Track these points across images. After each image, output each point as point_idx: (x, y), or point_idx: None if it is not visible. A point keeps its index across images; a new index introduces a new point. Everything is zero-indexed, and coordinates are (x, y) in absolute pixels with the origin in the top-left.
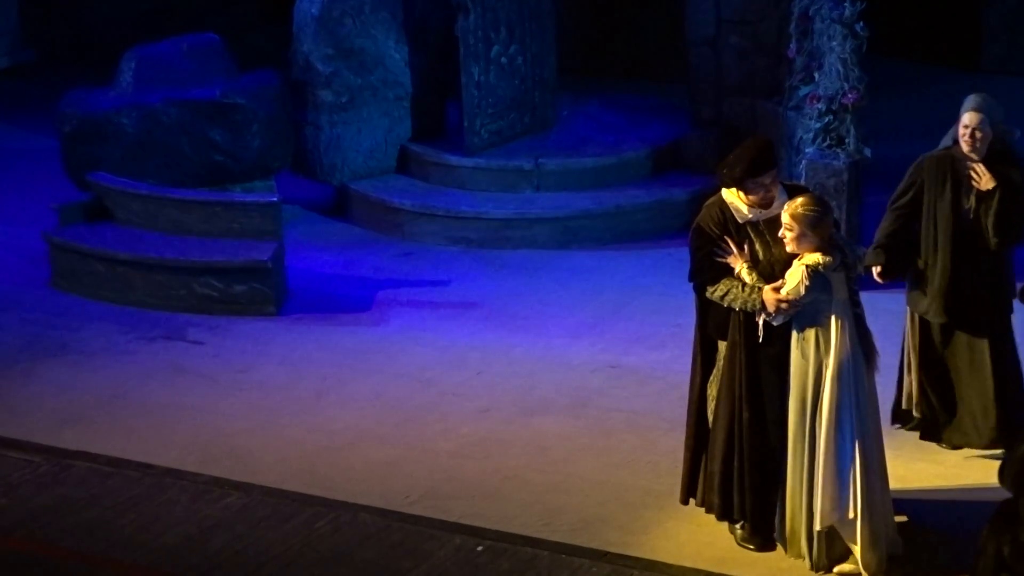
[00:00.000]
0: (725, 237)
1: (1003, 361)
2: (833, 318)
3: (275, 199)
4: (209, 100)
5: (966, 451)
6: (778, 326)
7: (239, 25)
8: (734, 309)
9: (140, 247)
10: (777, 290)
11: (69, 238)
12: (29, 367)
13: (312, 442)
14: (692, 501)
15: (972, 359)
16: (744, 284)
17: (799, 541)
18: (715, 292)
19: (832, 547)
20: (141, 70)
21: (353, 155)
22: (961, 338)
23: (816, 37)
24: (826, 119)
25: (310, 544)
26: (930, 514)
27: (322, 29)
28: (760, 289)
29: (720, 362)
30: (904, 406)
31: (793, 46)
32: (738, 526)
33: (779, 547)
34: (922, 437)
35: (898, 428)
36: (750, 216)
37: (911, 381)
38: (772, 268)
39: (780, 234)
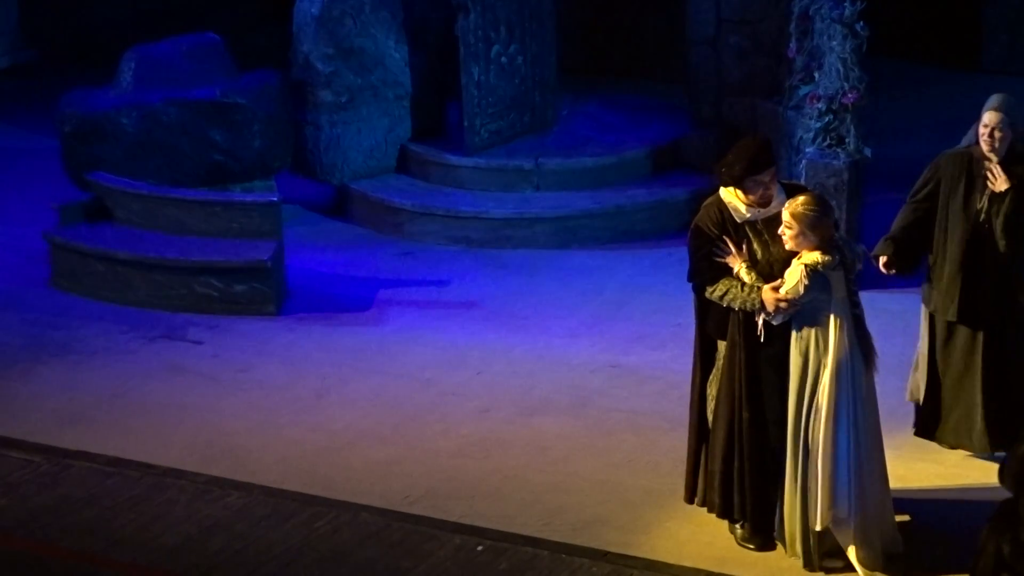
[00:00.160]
0: (724, 237)
1: (1004, 366)
2: (832, 317)
3: (275, 199)
4: (209, 100)
5: (966, 451)
6: (778, 325)
7: (239, 25)
8: (733, 309)
9: (140, 247)
10: (776, 289)
11: (69, 238)
12: (29, 367)
13: (312, 442)
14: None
15: (970, 361)
16: (743, 284)
17: (797, 540)
18: (714, 292)
19: (824, 544)
20: (141, 70)
21: (353, 155)
22: (964, 339)
23: (816, 37)
24: (826, 119)
25: (310, 544)
26: (930, 514)
27: (322, 29)
28: (759, 289)
29: (720, 362)
30: (908, 398)
31: (793, 46)
32: (738, 526)
33: (779, 547)
34: (916, 433)
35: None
36: (748, 216)
37: (916, 377)
38: (771, 267)
39: (780, 232)
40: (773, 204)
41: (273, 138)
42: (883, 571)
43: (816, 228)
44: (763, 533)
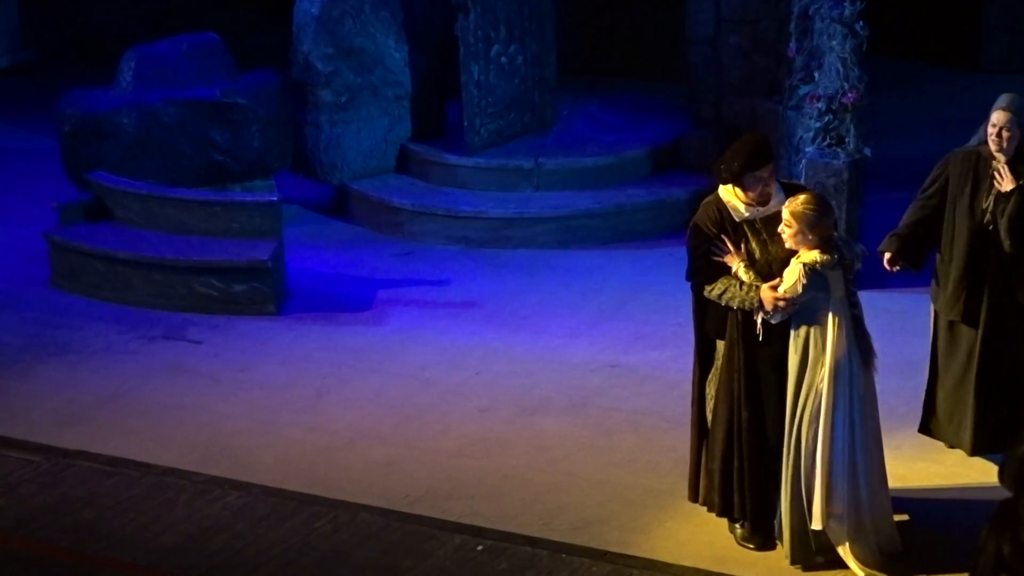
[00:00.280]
0: (722, 236)
1: (1003, 368)
2: (830, 316)
3: (275, 198)
4: (209, 100)
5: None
6: (776, 324)
7: (239, 25)
8: (732, 308)
9: (140, 246)
10: (774, 288)
11: (69, 237)
12: (29, 366)
13: (312, 441)
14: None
15: (968, 362)
16: (742, 283)
17: (785, 535)
18: (713, 291)
19: (815, 541)
20: (141, 70)
21: (353, 154)
22: (966, 339)
23: (816, 36)
24: (826, 118)
25: (310, 543)
26: (930, 513)
27: (322, 29)
28: (758, 287)
29: (718, 361)
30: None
31: (793, 45)
32: (738, 525)
33: (779, 546)
34: (920, 430)
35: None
36: (747, 214)
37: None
38: (769, 266)
39: (779, 230)
40: (772, 203)
41: (273, 138)
42: (880, 570)
43: (815, 227)
44: (763, 532)
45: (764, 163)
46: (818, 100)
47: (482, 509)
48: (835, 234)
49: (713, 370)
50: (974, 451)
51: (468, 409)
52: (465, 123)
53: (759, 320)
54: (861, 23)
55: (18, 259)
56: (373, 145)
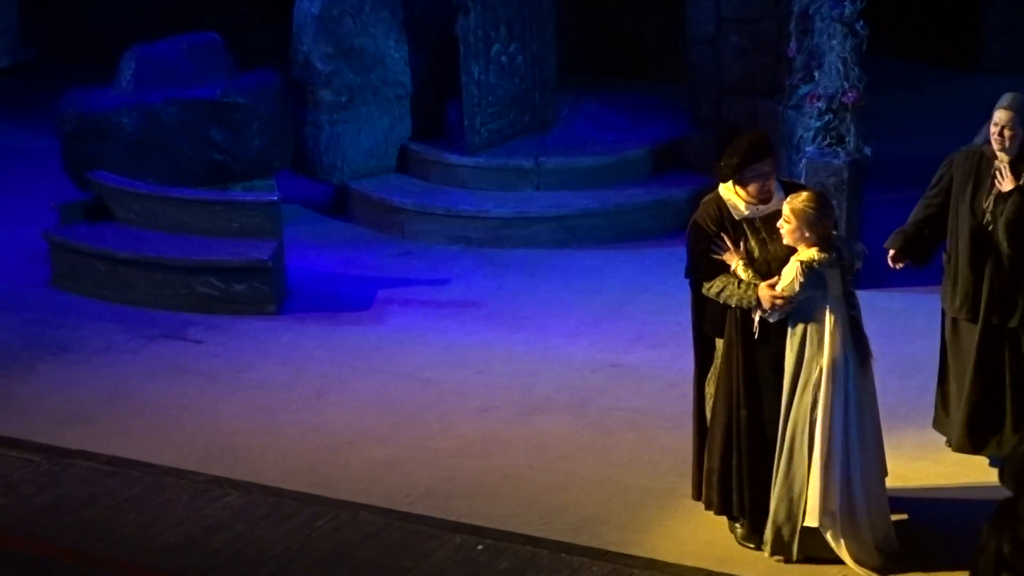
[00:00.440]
0: (721, 234)
1: (1003, 369)
2: (827, 314)
3: (275, 198)
4: (209, 99)
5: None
6: (775, 323)
7: (239, 24)
8: (730, 306)
9: (140, 246)
10: (772, 287)
11: (69, 237)
12: (29, 366)
13: (312, 441)
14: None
15: (970, 361)
16: (740, 281)
17: (770, 528)
18: (711, 289)
19: (804, 538)
20: (141, 69)
21: (353, 154)
22: (969, 337)
23: (816, 36)
24: (826, 118)
25: (310, 543)
26: (930, 512)
27: (322, 28)
28: (755, 286)
29: (717, 361)
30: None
31: (793, 45)
32: (738, 524)
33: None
34: (933, 426)
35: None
36: (747, 213)
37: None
38: (768, 265)
39: (778, 224)
40: (772, 202)
41: (273, 137)
42: (877, 569)
43: (814, 226)
44: (762, 532)
45: (764, 157)
46: (818, 99)
47: (482, 509)
48: (834, 233)
49: (712, 369)
50: (960, 448)
51: (468, 409)
52: (465, 123)
53: (756, 319)
54: (861, 22)
55: (18, 259)
56: (373, 145)
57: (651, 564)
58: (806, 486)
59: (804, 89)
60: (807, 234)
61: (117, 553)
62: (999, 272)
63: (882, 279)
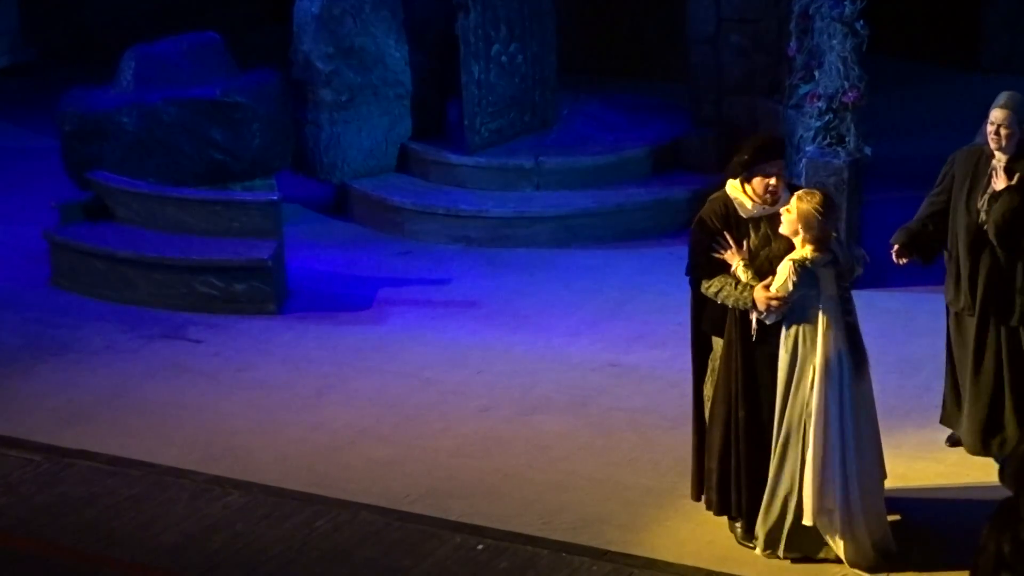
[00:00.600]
0: (725, 232)
1: (1001, 367)
2: (820, 314)
3: (275, 198)
4: (209, 99)
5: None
6: (775, 324)
7: (239, 24)
8: (728, 306)
9: (140, 246)
10: (767, 288)
11: (69, 237)
12: (29, 366)
13: (312, 441)
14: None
15: (978, 360)
16: (738, 282)
17: (763, 525)
18: (710, 288)
19: (796, 535)
20: (141, 69)
21: (353, 154)
22: (970, 332)
23: (816, 35)
24: (826, 117)
25: (310, 543)
26: (930, 512)
27: (322, 28)
28: (752, 287)
29: (714, 363)
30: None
31: (793, 44)
32: (738, 524)
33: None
34: (941, 421)
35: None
36: (753, 211)
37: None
38: (770, 265)
39: (781, 210)
40: (779, 203)
41: (273, 137)
42: (873, 569)
43: (812, 228)
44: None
45: (773, 158)
46: (818, 99)
47: (482, 508)
48: (834, 235)
49: (709, 371)
50: (974, 452)
51: (468, 408)
52: (465, 122)
53: (753, 320)
54: (861, 22)
55: (18, 258)
56: (373, 144)
57: (651, 564)
58: (798, 485)
59: (804, 89)
60: (805, 232)
61: (117, 553)
62: (995, 270)
63: (882, 279)
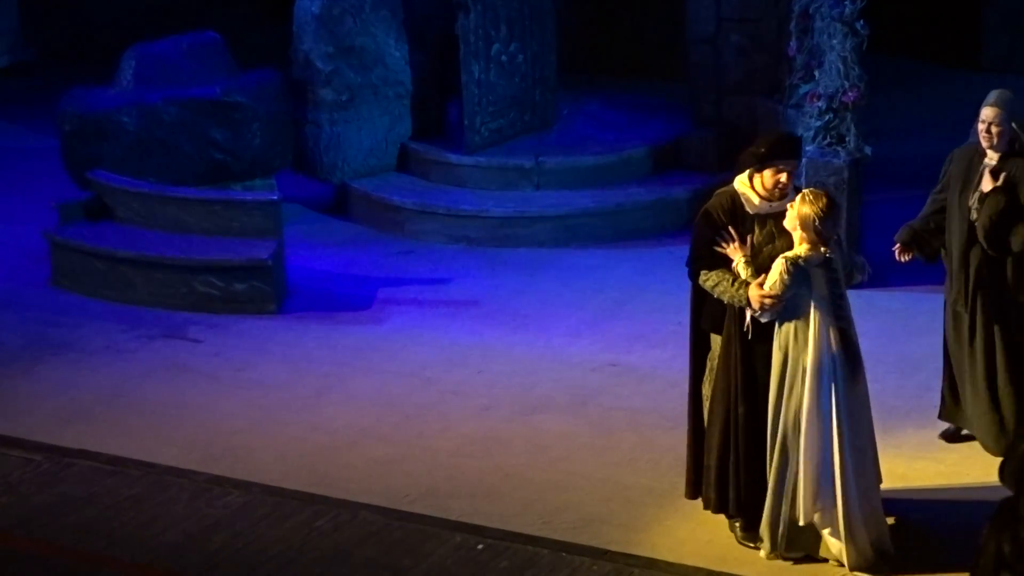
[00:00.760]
0: (729, 227)
1: (998, 362)
2: (812, 313)
3: (275, 197)
4: (209, 98)
5: (966, 449)
6: (773, 322)
7: (240, 23)
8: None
9: (141, 245)
10: (761, 286)
11: (70, 236)
12: (30, 365)
13: (312, 440)
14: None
15: (973, 356)
16: (735, 278)
17: (766, 526)
18: (707, 281)
19: (794, 535)
20: (141, 68)
21: (353, 153)
22: (966, 328)
23: (816, 35)
24: (826, 117)
25: (310, 542)
26: (930, 512)
27: (322, 27)
28: (748, 285)
29: (712, 362)
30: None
31: (793, 44)
32: (737, 523)
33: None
34: (940, 417)
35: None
36: (759, 207)
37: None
38: (772, 262)
39: (787, 204)
40: (785, 201)
41: (273, 137)
42: (871, 569)
43: (808, 230)
44: (759, 529)
45: (789, 156)
46: (818, 99)
47: (482, 508)
48: (834, 237)
49: (707, 371)
50: (993, 452)
51: (468, 408)
52: (466, 122)
53: (748, 317)
54: (861, 22)
55: (18, 258)
56: (373, 144)
57: (651, 563)
58: (798, 483)
59: (804, 88)
60: (804, 232)
61: (117, 552)
62: (985, 267)
63: (882, 279)
